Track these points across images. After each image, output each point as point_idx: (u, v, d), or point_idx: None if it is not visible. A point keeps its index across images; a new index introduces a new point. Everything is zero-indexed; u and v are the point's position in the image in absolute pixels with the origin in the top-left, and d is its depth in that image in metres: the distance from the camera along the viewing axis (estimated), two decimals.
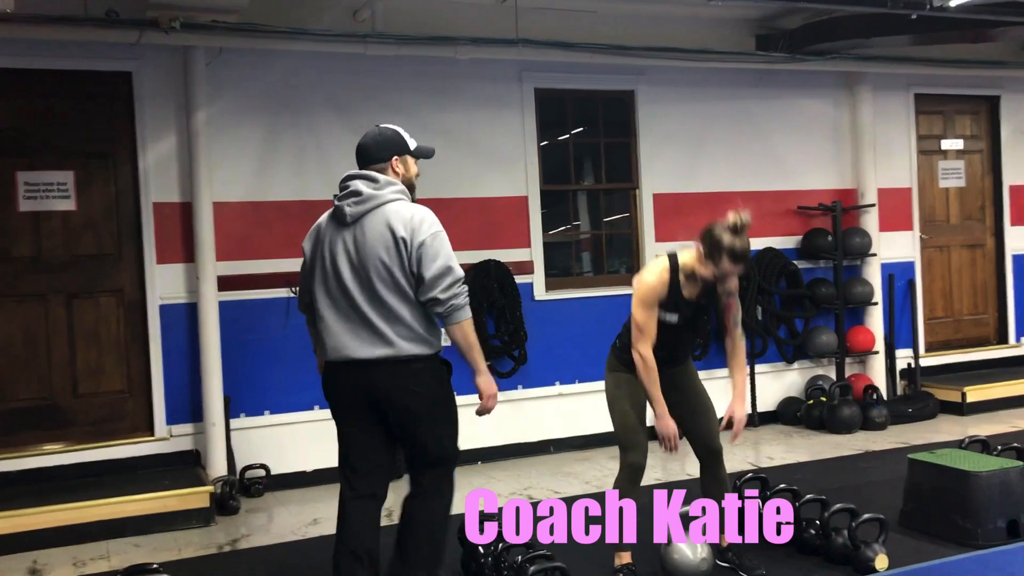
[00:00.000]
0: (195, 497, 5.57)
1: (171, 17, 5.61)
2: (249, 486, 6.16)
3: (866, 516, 4.23)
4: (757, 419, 7.70)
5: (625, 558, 4.16)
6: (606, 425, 7.13)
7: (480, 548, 4.24)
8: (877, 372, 8.09)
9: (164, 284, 6.16)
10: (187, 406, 6.20)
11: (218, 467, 6.04)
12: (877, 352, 8.06)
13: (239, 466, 6.22)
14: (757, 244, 7.77)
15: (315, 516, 5.66)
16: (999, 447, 5.24)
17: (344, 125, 6.55)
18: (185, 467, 6.10)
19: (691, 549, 4.11)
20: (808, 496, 4.52)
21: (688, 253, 4.01)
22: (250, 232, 6.36)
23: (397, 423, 3.65)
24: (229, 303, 6.21)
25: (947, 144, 8.78)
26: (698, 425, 4.20)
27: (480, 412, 3.75)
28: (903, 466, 6.08)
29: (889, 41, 7.54)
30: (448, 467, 3.78)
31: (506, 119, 7.05)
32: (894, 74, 8.15)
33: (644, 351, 4.00)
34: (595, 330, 7.26)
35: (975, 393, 7.86)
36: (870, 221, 8.12)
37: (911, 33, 7.30)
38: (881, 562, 4.12)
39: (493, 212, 7.01)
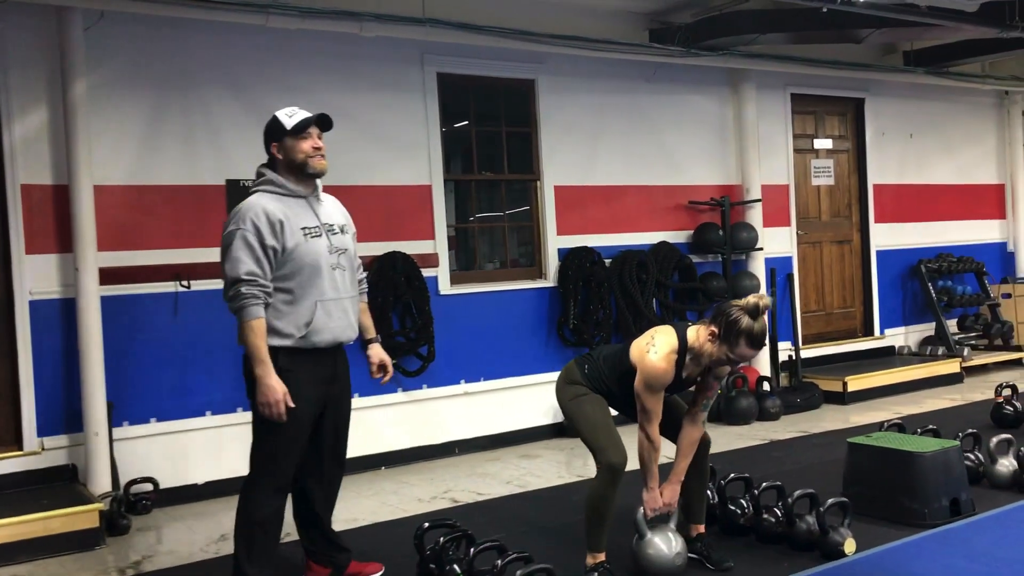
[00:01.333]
0: (82, 517, 4.90)
1: None
2: (135, 502, 5.51)
3: (831, 500, 4.19)
4: None
5: (599, 557, 3.93)
6: (512, 424, 7.08)
7: (443, 553, 3.89)
8: (763, 364, 8.26)
9: (35, 277, 5.43)
10: (61, 415, 5.50)
11: (101, 482, 5.37)
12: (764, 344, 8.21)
13: (123, 480, 5.55)
14: (652, 238, 7.80)
15: (221, 532, 5.11)
16: (918, 429, 5.38)
17: (238, 104, 6.06)
18: (61, 484, 5.39)
19: (666, 543, 3.93)
20: (765, 484, 4.44)
21: (696, 331, 3.84)
22: (134, 219, 5.71)
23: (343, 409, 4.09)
24: (110, 298, 5.54)
25: (819, 143, 9.13)
26: (679, 418, 4.05)
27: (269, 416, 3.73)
28: (813, 453, 6.31)
29: (771, 39, 7.74)
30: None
31: (408, 104, 6.70)
32: (774, 73, 8.37)
33: (652, 434, 3.88)
34: (501, 326, 7.08)
35: (855, 383, 8.17)
36: (755, 216, 8.30)
37: (796, 30, 7.54)
38: (850, 546, 4.09)
39: (395, 201, 6.64)
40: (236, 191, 6.02)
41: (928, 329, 9.58)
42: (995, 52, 8.74)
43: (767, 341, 3.82)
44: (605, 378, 4.01)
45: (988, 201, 10.39)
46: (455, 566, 3.83)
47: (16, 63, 5.36)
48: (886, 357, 9.22)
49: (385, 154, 6.61)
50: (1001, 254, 10.43)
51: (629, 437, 3.97)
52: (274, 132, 3.81)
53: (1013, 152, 10.43)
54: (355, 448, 6.31)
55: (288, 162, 3.79)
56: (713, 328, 3.74)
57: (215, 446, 5.94)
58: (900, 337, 9.54)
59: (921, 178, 9.74)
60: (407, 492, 5.81)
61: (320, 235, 3.82)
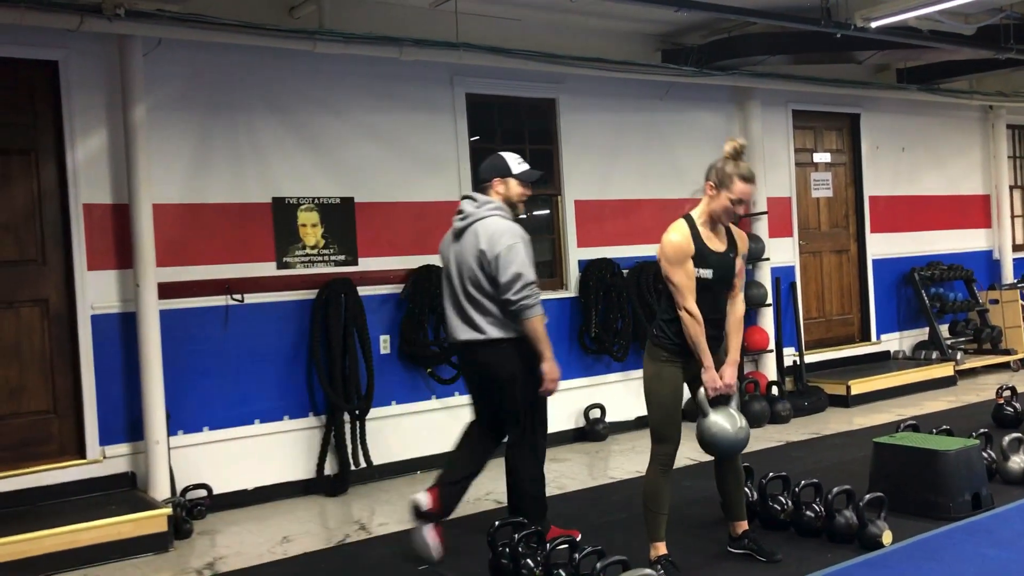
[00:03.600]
0: (151, 521, 5.14)
1: (116, 3, 5.20)
2: (191, 508, 5.75)
3: (869, 496, 4.53)
4: None
5: (661, 549, 4.23)
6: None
7: (517, 549, 4.17)
8: (770, 369, 8.62)
9: (95, 292, 5.66)
10: (122, 424, 5.73)
11: (161, 489, 5.60)
12: (771, 351, 8.60)
13: (178, 487, 5.79)
14: None
15: (283, 534, 5.39)
16: (933, 429, 5.75)
17: (283, 125, 6.34)
18: (122, 491, 5.63)
19: (729, 420, 4.15)
20: (804, 482, 4.78)
21: (696, 207, 4.26)
22: (187, 236, 5.97)
23: (486, 386, 4.69)
24: (166, 312, 5.79)
25: (818, 157, 9.53)
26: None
27: (544, 394, 4.61)
28: (830, 453, 6.67)
29: (776, 60, 8.13)
30: (522, 424, 4.61)
31: (439, 124, 7.00)
32: (776, 91, 8.75)
33: (691, 307, 4.09)
34: None
35: (858, 386, 8.56)
36: (761, 227, 8.68)
37: (800, 52, 7.92)
38: (887, 537, 4.43)
39: (428, 216, 6.93)
40: (281, 208, 6.31)
41: (921, 334, 10.01)
42: (982, 71, 9.20)
43: (755, 177, 4.21)
44: (664, 311, 4.23)
45: (975, 211, 10.86)
46: (529, 560, 4.11)
47: (79, 87, 5.60)
48: (883, 362, 9.63)
49: (418, 171, 6.91)
50: (987, 262, 10.90)
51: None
52: (501, 170, 4.67)
53: (997, 164, 10.91)
54: (392, 453, 6.67)
55: (506, 198, 4.66)
56: (709, 183, 4.19)
57: (263, 453, 6.19)
58: (895, 342, 9.96)
59: (913, 189, 10.18)
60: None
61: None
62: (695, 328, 4.11)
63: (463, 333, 4.59)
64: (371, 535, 5.32)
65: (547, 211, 7.73)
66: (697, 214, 4.23)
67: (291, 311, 6.32)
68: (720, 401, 4.21)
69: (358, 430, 6.46)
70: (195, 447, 5.96)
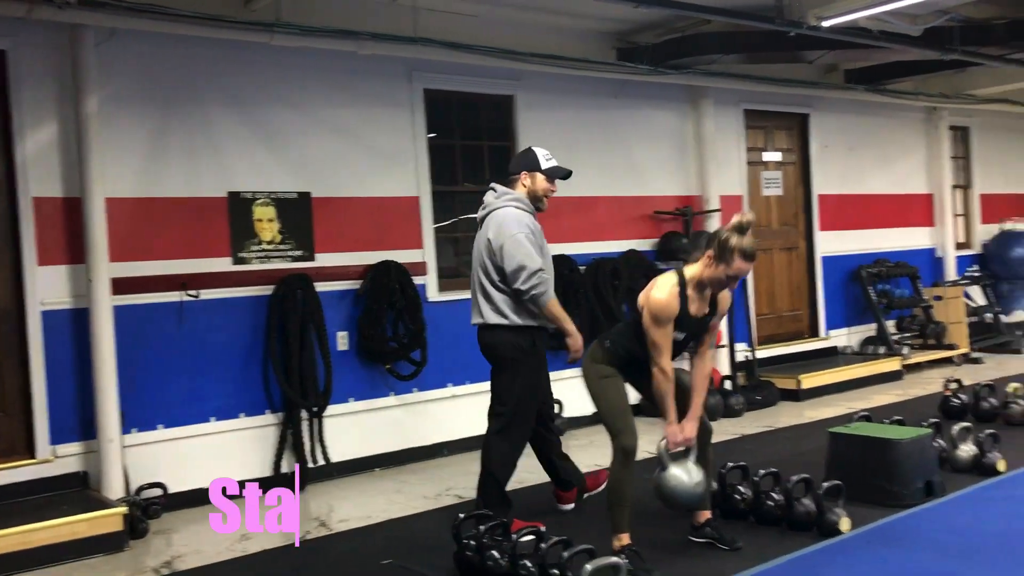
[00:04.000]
0: (106, 521, 5.05)
1: None
2: (146, 507, 5.64)
3: (827, 484, 4.62)
4: None
5: (625, 539, 4.27)
6: None
7: (482, 540, 4.17)
8: (723, 365, 8.73)
9: (46, 288, 5.53)
10: (74, 423, 5.61)
11: (115, 488, 5.50)
12: (724, 346, 8.71)
13: (132, 486, 5.68)
14: (622, 246, 8.21)
15: (241, 532, 5.31)
16: (884, 420, 5.88)
17: (238, 118, 6.26)
18: (74, 490, 5.51)
19: (687, 473, 4.25)
20: (763, 471, 4.86)
21: (692, 267, 4.22)
22: (142, 230, 5.86)
23: (493, 370, 4.97)
24: (120, 308, 5.67)
25: (768, 156, 9.68)
26: (685, 407, 4.41)
27: (570, 362, 4.92)
28: (783, 445, 6.78)
29: (729, 59, 8.24)
30: (506, 415, 4.89)
31: (397, 119, 6.97)
32: (729, 90, 8.87)
33: (665, 365, 4.19)
34: None
35: (808, 380, 8.71)
36: (714, 225, 8.77)
37: (753, 51, 8.05)
38: (845, 524, 4.52)
39: (386, 211, 6.90)
40: (237, 203, 6.23)
41: (868, 330, 10.21)
42: (928, 71, 9.43)
43: (756, 254, 4.16)
44: (625, 342, 4.33)
45: (919, 210, 11.12)
46: (495, 552, 4.12)
47: (29, 78, 5.47)
48: (831, 357, 9.81)
49: (376, 166, 6.87)
50: (931, 259, 11.17)
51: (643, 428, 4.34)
52: (530, 164, 4.89)
53: (940, 164, 11.19)
54: (351, 451, 6.62)
55: (532, 191, 4.89)
56: (709, 252, 4.15)
57: (220, 451, 6.10)
58: (843, 338, 10.16)
59: (860, 189, 10.39)
60: (411, 491, 6.06)
61: (544, 244, 4.90)
62: (666, 385, 4.21)
63: (473, 317, 4.95)
64: (331, 531, 5.27)
65: None
66: (689, 276, 4.21)
67: (247, 307, 6.23)
68: (679, 455, 4.30)
69: (316, 427, 6.41)
70: (150, 445, 5.85)
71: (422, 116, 7.08)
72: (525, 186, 4.89)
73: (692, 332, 4.32)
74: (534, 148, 4.94)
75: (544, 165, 4.88)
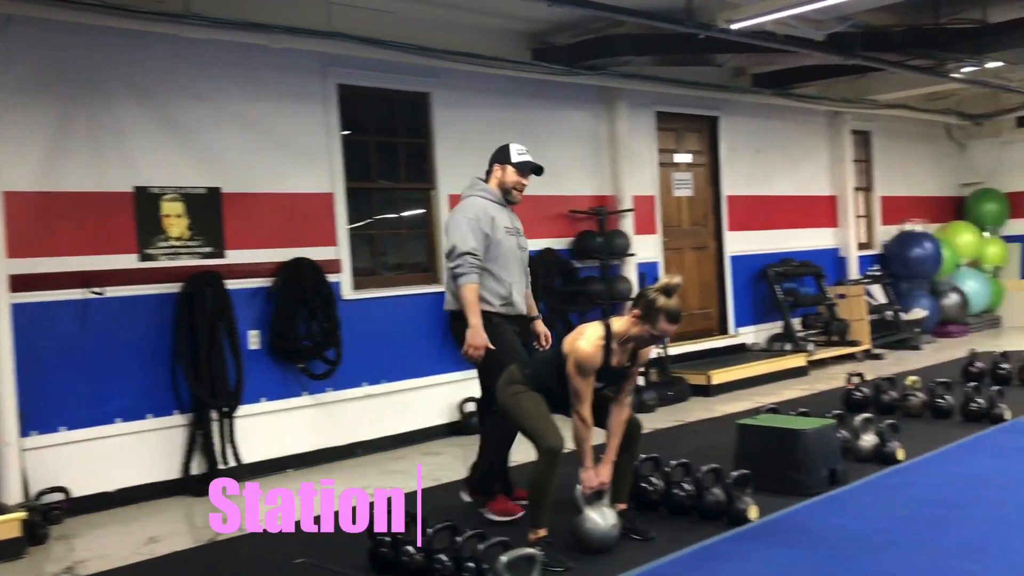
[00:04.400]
0: (4, 527, 4.84)
1: None
2: (46, 512, 5.44)
3: (736, 473, 4.73)
4: None
5: (541, 532, 4.30)
6: (412, 424, 7.35)
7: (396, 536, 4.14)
8: None
9: None
10: None
11: (12, 493, 5.27)
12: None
13: (32, 491, 5.47)
14: (538, 244, 8.25)
15: (149, 535, 5.17)
16: (790, 412, 6.04)
17: (145, 111, 6.10)
18: None
19: (602, 517, 4.35)
20: (674, 462, 4.95)
21: (618, 321, 4.32)
22: (43, 225, 5.66)
23: None
24: (19, 306, 5.45)
25: (679, 158, 9.87)
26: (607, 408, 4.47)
27: (463, 354, 4.84)
28: (694, 439, 6.91)
29: (642, 61, 8.38)
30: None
31: (310, 114, 6.89)
32: (642, 92, 9.02)
33: (585, 414, 4.30)
34: (400, 329, 7.34)
35: (718, 376, 8.91)
36: (627, 225, 8.92)
37: (664, 54, 8.20)
38: (753, 512, 4.64)
39: (298, 208, 6.81)
40: (144, 198, 6.07)
41: (775, 327, 10.50)
42: (831, 76, 9.75)
43: (680, 317, 4.26)
44: (544, 375, 4.41)
45: (823, 211, 11.49)
46: (409, 548, 4.09)
47: None
48: (740, 353, 10.06)
49: (288, 162, 6.77)
50: (834, 259, 11.55)
51: (564, 425, 4.38)
52: (502, 157, 5.05)
53: (843, 166, 11.58)
54: (263, 451, 6.51)
55: (501, 183, 5.04)
56: (636, 311, 4.23)
57: (126, 453, 5.93)
58: (752, 335, 10.42)
59: (767, 190, 10.68)
60: (327, 491, 5.98)
61: (513, 235, 5.02)
62: (584, 433, 4.33)
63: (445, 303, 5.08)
64: (244, 532, 5.17)
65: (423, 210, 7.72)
66: (616, 330, 4.29)
67: (154, 305, 6.08)
68: (594, 497, 4.39)
69: (227, 428, 6.28)
70: (51, 448, 5.65)
71: (336, 112, 7.00)
72: (496, 178, 5.06)
73: (611, 381, 4.42)
74: (511, 144, 5.10)
75: (515, 159, 5.02)
